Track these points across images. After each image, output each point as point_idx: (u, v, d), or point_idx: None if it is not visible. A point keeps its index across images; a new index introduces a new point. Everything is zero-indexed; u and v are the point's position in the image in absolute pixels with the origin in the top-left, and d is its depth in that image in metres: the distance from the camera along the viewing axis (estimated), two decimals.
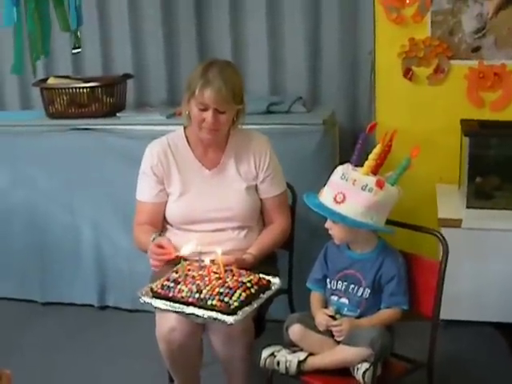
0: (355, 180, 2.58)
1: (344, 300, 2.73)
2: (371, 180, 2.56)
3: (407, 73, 3.98)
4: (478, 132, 3.71)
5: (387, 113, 4.03)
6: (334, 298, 2.76)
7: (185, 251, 2.76)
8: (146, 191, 3.11)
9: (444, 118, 3.98)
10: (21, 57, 3.89)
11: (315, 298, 2.84)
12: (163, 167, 3.08)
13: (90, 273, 4.16)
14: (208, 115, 2.92)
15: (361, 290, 2.69)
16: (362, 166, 2.67)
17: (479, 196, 3.71)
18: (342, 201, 2.57)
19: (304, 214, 3.47)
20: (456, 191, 3.94)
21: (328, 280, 2.79)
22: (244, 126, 3.15)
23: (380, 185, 2.55)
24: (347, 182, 2.59)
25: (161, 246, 2.88)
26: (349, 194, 2.57)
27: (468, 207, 3.69)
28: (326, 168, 3.75)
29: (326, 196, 2.64)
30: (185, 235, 3.04)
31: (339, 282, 2.75)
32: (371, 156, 2.62)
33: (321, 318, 2.68)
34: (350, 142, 4.19)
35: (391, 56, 3.98)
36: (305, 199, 2.72)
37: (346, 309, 2.72)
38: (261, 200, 3.14)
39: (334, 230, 2.68)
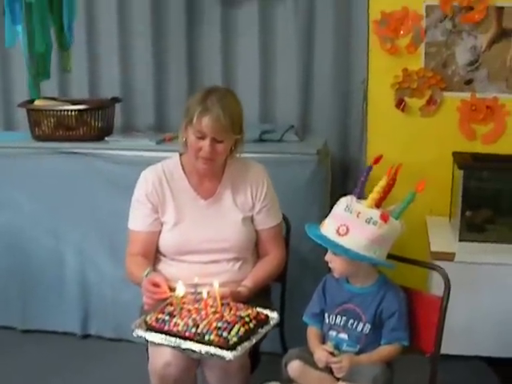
0: (359, 212, 2.53)
1: (343, 335, 2.67)
2: (376, 213, 2.52)
3: (400, 103, 3.98)
4: (472, 165, 3.70)
5: (379, 143, 4.03)
6: (333, 333, 2.69)
7: (180, 292, 2.68)
8: (139, 220, 3.03)
9: (435, 150, 3.99)
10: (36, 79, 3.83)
11: (312, 333, 2.77)
12: (158, 195, 3.00)
13: (72, 300, 4.07)
14: (205, 144, 2.86)
15: (361, 325, 2.63)
16: (364, 198, 2.63)
17: (472, 229, 3.70)
18: (346, 233, 2.52)
19: (296, 246, 3.43)
20: (447, 224, 3.93)
21: (326, 314, 2.73)
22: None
23: (385, 218, 2.51)
24: (351, 214, 2.54)
25: (155, 284, 2.80)
26: (352, 226, 2.52)
27: (460, 240, 3.68)
28: (319, 198, 3.76)
29: (329, 228, 2.59)
30: (178, 266, 2.98)
31: (338, 316, 2.69)
32: (376, 189, 2.57)
33: (320, 354, 2.62)
34: (340, 172, 4.19)
35: (384, 86, 3.98)
36: (306, 230, 2.65)
37: (345, 344, 2.65)
38: (256, 231, 3.08)
39: (335, 263, 2.63)
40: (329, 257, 2.64)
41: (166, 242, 3.01)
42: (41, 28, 3.51)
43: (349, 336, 2.65)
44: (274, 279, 3.14)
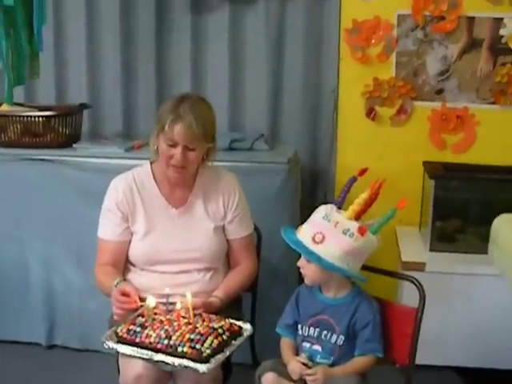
0: (338, 222, 2.50)
1: (317, 347, 2.63)
2: (354, 225, 2.50)
3: (370, 112, 3.98)
4: (443, 175, 3.70)
5: (349, 152, 4.04)
6: (306, 344, 2.66)
7: (151, 303, 2.63)
8: (109, 229, 2.97)
9: (406, 160, 4.00)
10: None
11: (286, 344, 2.74)
12: (128, 204, 2.95)
13: (37, 309, 3.97)
14: (177, 152, 2.81)
15: (334, 336, 2.60)
16: (343, 208, 2.61)
17: (442, 239, 3.71)
18: (321, 241, 2.49)
19: (266, 255, 3.40)
20: (417, 233, 3.94)
21: (300, 326, 2.70)
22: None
23: (362, 231, 2.48)
24: (329, 222, 2.51)
25: (125, 294, 2.75)
26: (329, 235, 2.49)
27: (431, 250, 3.68)
28: (289, 207, 3.74)
29: (305, 234, 2.56)
30: (148, 276, 2.93)
31: (311, 328, 2.65)
32: (357, 201, 2.54)
33: (294, 365, 2.59)
34: (310, 182, 4.17)
35: (354, 95, 3.99)
36: (282, 233, 2.62)
37: (318, 356, 2.62)
38: (227, 241, 3.04)
39: (307, 270, 2.59)
40: (301, 263, 2.61)
41: (136, 251, 2.96)
42: (18, 32, 3.44)
43: (322, 348, 2.62)
44: (246, 289, 3.10)
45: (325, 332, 2.62)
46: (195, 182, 2.99)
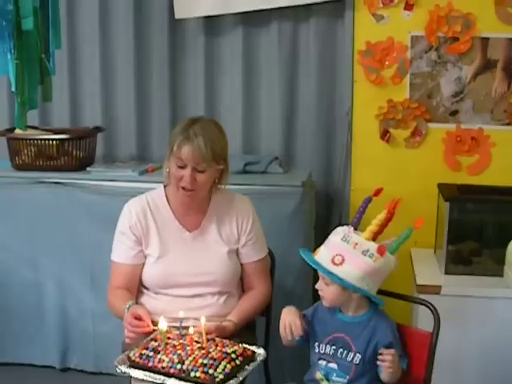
0: (356, 244, 2.50)
1: (333, 365, 2.60)
2: (373, 246, 2.50)
3: (384, 135, 3.96)
4: (458, 197, 3.67)
5: (363, 175, 4.02)
6: (322, 362, 2.63)
7: (162, 327, 2.62)
8: (123, 252, 2.97)
9: (420, 182, 3.98)
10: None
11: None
12: (142, 227, 2.95)
13: (52, 332, 3.98)
14: (186, 173, 2.81)
15: (351, 354, 2.57)
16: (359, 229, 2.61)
17: (457, 261, 3.66)
18: (341, 263, 2.49)
19: (280, 279, 3.39)
20: (432, 256, 3.90)
21: (316, 343, 2.66)
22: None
23: (381, 252, 2.48)
24: (348, 244, 2.51)
25: (138, 317, 2.74)
26: (348, 257, 2.49)
27: (446, 273, 3.64)
28: (303, 230, 3.73)
29: (323, 256, 2.55)
30: (162, 299, 2.93)
31: (328, 346, 2.63)
32: (375, 221, 2.54)
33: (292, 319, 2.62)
34: (324, 204, 4.15)
35: (369, 117, 3.97)
36: (301, 253, 2.61)
37: (334, 374, 2.59)
38: (241, 264, 3.03)
39: (326, 292, 2.58)
40: (320, 285, 2.60)
41: (149, 275, 2.95)
42: (31, 56, 3.44)
43: (338, 365, 2.59)
44: (260, 313, 3.08)
45: (341, 350, 2.60)
46: (209, 206, 2.99)
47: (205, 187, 2.90)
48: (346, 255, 2.49)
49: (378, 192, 2.65)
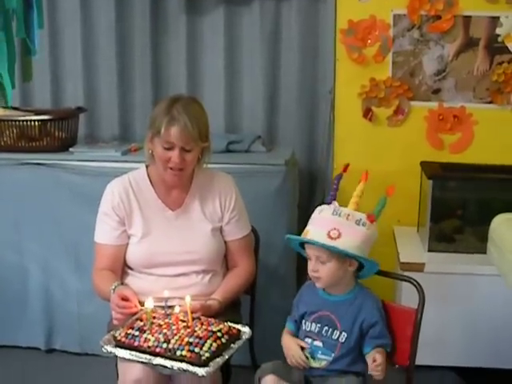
0: (349, 215, 2.55)
1: (318, 343, 2.62)
2: (363, 215, 2.56)
3: (367, 113, 3.97)
4: (441, 175, 3.69)
5: (346, 153, 4.02)
6: (308, 340, 2.65)
7: (149, 305, 2.63)
8: (106, 233, 2.96)
9: (403, 160, 3.99)
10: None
11: (287, 331, 2.76)
12: (125, 207, 2.94)
13: (36, 314, 3.96)
14: (174, 154, 2.80)
15: (336, 332, 2.59)
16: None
17: (441, 239, 3.70)
18: (338, 236, 2.51)
19: (264, 257, 3.40)
20: (415, 234, 3.93)
21: (302, 321, 2.69)
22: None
23: (371, 219, 2.56)
24: (341, 217, 2.54)
25: (124, 298, 2.75)
26: (344, 229, 2.53)
27: (429, 250, 3.67)
28: (287, 209, 3.73)
29: (316, 234, 2.56)
30: (147, 279, 2.92)
31: (313, 323, 2.65)
32: (356, 193, 2.61)
33: (295, 351, 2.64)
34: (307, 183, 4.16)
35: (351, 96, 3.98)
36: (291, 238, 2.66)
37: (319, 352, 2.61)
38: (225, 242, 3.03)
39: (323, 272, 2.58)
40: (315, 266, 2.60)
41: (133, 255, 2.95)
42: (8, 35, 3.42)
43: (323, 343, 2.61)
44: (245, 291, 3.10)
45: (326, 328, 2.62)
46: (191, 184, 2.99)
47: (192, 166, 2.90)
48: (341, 228, 2.52)
49: (346, 168, 2.74)
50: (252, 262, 3.09)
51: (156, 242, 2.93)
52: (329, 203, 2.63)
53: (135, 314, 2.70)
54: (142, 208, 2.95)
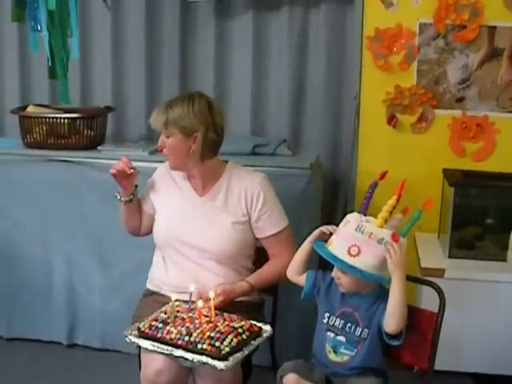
0: (371, 233, 2.52)
1: (341, 338, 2.64)
2: (387, 233, 2.51)
3: (391, 120, 3.99)
4: (463, 182, 3.72)
5: (370, 159, 4.04)
6: (330, 334, 2.67)
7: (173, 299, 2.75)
8: (144, 198, 3.19)
9: (425, 167, 4.01)
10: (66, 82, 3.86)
11: None
12: (159, 187, 3.14)
13: (59, 309, 4.03)
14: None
15: (359, 329, 2.62)
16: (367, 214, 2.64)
17: (461, 246, 3.72)
18: (357, 254, 2.51)
19: None
20: (435, 240, 3.94)
21: (327, 314, 2.70)
22: None
23: (395, 239, 2.50)
24: (363, 234, 2.52)
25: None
26: (364, 247, 2.51)
27: (450, 257, 3.69)
28: (310, 212, 3.76)
29: (338, 247, 2.57)
30: (169, 269, 3.07)
31: (337, 319, 2.67)
32: (386, 208, 2.55)
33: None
34: (330, 187, 4.20)
35: (376, 102, 4.00)
36: (316, 249, 2.66)
37: (342, 347, 2.64)
38: (262, 239, 3.08)
39: (343, 281, 2.61)
40: (337, 274, 2.62)
41: (155, 230, 3.12)
42: (60, 35, 3.54)
43: (346, 339, 2.64)
44: (282, 281, 3.07)
45: (349, 324, 2.64)
46: (220, 178, 3.06)
47: (173, 154, 3.00)
48: (361, 246, 2.51)
49: (383, 175, 2.68)
50: (292, 252, 2.96)
51: (178, 222, 3.04)
52: (360, 212, 2.62)
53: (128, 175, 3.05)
54: (174, 190, 3.11)
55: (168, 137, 2.95)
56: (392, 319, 2.53)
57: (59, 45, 3.75)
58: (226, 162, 3.12)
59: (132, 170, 3.06)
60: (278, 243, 3.07)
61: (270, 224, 3.05)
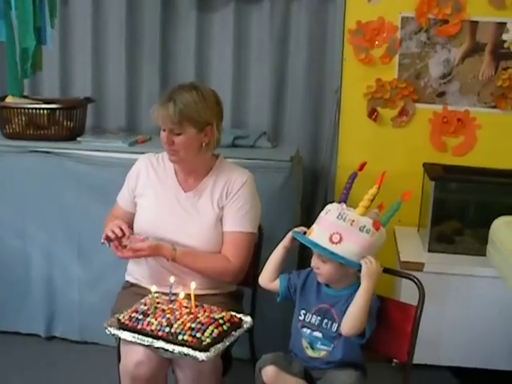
0: (353, 221, 2.52)
1: (317, 334, 2.64)
2: (369, 221, 2.52)
3: (372, 113, 4.00)
4: (443, 176, 3.73)
5: (350, 152, 4.06)
6: (306, 330, 2.67)
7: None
8: (122, 195, 3.13)
9: (406, 161, 4.03)
10: (17, 75, 3.78)
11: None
12: (142, 180, 3.06)
13: (38, 301, 3.99)
14: (163, 135, 2.89)
15: (335, 325, 2.61)
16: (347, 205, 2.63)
17: (441, 240, 3.74)
18: (339, 241, 2.51)
19: (267, 252, 3.39)
20: (415, 234, 3.96)
21: (303, 311, 2.70)
22: None
23: (377, 226, 2.52)
24: (345, 222, 2.53)
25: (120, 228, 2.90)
26: (346, 234, 2.51)
27: (429, 251, 3.71)
28: (290, 205, 3.76)
29: (319, 235, 2.57)
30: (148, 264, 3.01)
31: (313, 315, 2.67)
32: (367, 197, 2.56)
33: None
34: (310, 180, 4.19)
35: (357, 96, 4.01)
36: (296, 237, 2.66)
37: (319, 342, 2.64)
38: (222, 234, 3.00)
39: (323, 269, 2.60)
40: (316, 263, 2.62)
41: (137, 222, 3.05)
42: (24, 24, 3.46)
43: (323, 335, 2.64)
44: (209, 277, 2.98)
45: (325, 320, 2.64)
46: (208, 174, 3.03)
47: (185, 149, 2.91)
48: (343, 233, 2.52)
49: (362, 166, 2.69)
50: (239, 259, 2.96)
51: (160, 216, 2.99)
52: (339, 202, 2.62)
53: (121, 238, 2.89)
54: (157, 184, 3.04)
55: (179, 133, 2.86)
56: (349, 322, 2.54)
57: (24, 34, 3.66)
58: (217, 156, 3.09)
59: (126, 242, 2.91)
60: (233, 245, 2.97)
61: (234, 220, 2.98)
